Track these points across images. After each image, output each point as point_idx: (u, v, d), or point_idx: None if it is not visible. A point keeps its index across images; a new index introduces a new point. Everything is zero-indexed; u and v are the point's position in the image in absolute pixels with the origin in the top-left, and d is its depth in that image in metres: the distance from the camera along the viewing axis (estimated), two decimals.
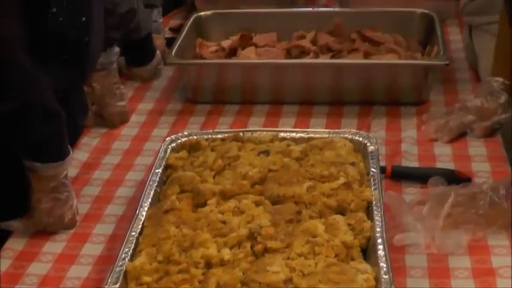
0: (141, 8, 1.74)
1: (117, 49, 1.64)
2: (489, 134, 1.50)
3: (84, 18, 1.33)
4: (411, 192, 1.34)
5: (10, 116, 1.18)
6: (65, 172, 1.27)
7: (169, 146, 1.40)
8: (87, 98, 1.59)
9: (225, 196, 1.21)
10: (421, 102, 1.66)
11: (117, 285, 1.05)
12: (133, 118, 1.70)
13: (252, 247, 1.09)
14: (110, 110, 1.64)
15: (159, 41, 1.89)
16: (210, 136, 1.41)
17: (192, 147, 1.39)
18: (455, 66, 1.81)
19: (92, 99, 1.62)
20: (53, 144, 1.24)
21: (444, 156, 1.46)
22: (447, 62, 1.62)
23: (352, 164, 1.27)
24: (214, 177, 1.27)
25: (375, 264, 1.05)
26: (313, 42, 1.82)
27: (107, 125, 1.65)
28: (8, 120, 1.19)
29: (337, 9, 2.06)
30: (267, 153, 1.32)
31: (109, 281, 1.06)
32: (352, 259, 1.08)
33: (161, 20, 2.03)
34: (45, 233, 1.29)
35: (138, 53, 1.82)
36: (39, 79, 1.21)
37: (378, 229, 1.11)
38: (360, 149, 1.35)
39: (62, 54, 1.33)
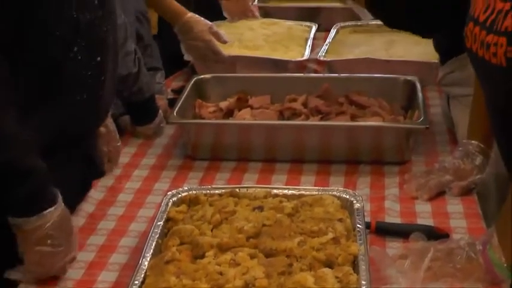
0: (143, 71, 1.77)
1: None
2: (466, 193, 1.53)
3: (99, 58, 1.33)
4: (394, 247, 1.36)
5: None
6: (49, 224, 1.22)
7: (171, 200, 1.41)
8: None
9: (222, 248, 1.22)
10: (403, 162, 1.69)
11: None
12: (137, 172, 1.72)
13: None
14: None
15: (161, 102, 1.92)
16: (208, 191, 1.44)
17: (192, 202, 1.41)
18: (435, 129, 1.85)
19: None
20: (30, 200, 1.21)
21: (424, 213, 1.48)
22: (427, 126, 1.66)
23: (340, 220, 1.29)
24: (212, 231, 1.29)
25: None
26: (304, 104, 1.84)
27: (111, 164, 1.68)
28: None
29: (326, 75, 2.10)
30: (261, 209, 1.34)
31: None
32: None
33: (164, 82, 2.07)
34: (53, 278, 1.29)
35: (142, 112, 1.85)
36: (16, 138, 1.19)
37: (364, 282, 1.13)
38: (346, 206, 1.37)
39: (79, 93, 1.33)
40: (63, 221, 1.26)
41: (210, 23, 2.13)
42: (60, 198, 1.26)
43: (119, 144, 1.69)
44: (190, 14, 2.10)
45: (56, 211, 1.24)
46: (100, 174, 1.64)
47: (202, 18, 2.12)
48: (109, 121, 1.61)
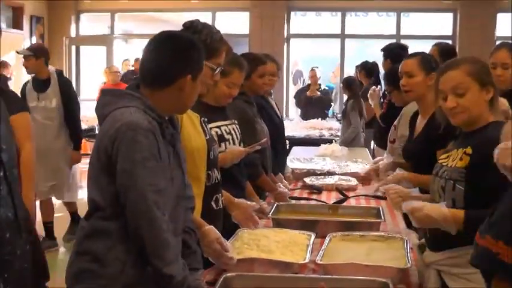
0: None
1: None
2: None
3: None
4: None
5: None
6: None
7: None
8: None
9: None
10: None
11: None
12: None
13: None
14: None
15: None
16: None
17: None
18: None
19: None
20: None
21: None
22: None
23: None
24: None
25: None
26: None
27: None
28: None
29: (322, 276, 2.23)
30: None
31: None
32: None
33: (201, 279, 2.19)
34: None
35: None
36: None
37: None
38: None
39: None
40: None
41: (218, 234, 2.26)
42: None
43: None
44: (207, 227, 2.26)
45: None
46: None
47: (213, 230, 2.26)
48: None
